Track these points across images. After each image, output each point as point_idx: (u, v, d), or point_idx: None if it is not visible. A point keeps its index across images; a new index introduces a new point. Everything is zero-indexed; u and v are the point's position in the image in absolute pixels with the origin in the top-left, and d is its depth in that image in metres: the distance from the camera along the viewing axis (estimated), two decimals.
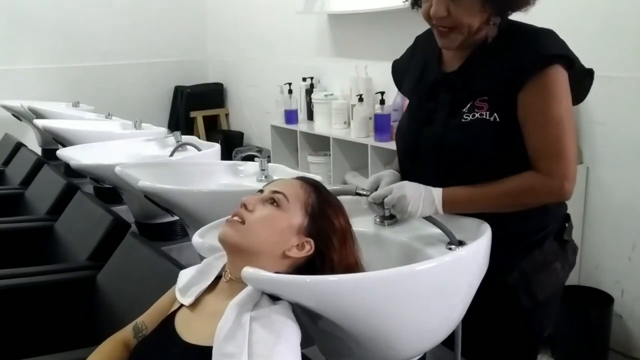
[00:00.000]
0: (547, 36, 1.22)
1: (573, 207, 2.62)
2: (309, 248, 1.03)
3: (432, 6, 1.20)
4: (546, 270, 1.32)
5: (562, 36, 1.24)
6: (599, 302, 2.52)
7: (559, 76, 1.19)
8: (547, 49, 1.19)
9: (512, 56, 1.21)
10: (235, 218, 1.03)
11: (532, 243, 1.32)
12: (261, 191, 1.08)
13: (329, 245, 1.05)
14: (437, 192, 1.22)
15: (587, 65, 1.27)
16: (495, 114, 1.22)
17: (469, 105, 1.24)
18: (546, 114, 1.18)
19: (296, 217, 1.04)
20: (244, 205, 1.04)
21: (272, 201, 1.04)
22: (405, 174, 1.36)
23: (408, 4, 1.32)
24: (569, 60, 1.20)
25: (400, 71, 1.48)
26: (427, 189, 1.22)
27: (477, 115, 1.23)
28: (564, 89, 1.20)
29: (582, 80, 1.26)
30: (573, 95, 1.23)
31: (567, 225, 1.38)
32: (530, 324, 1.38)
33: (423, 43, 1.41)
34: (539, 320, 1.40)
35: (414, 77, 1.39)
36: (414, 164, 1.36)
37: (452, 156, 1.26)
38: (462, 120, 1.24)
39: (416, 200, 1.20)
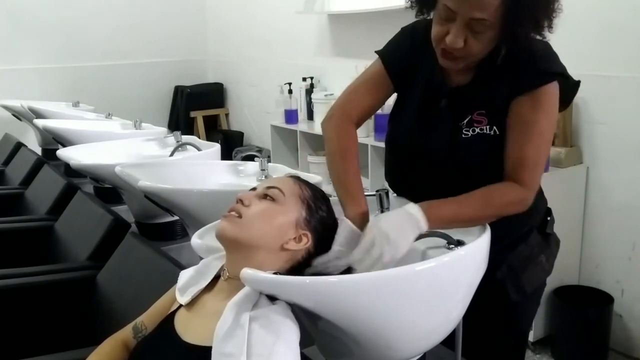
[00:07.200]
0: (547, 53, 1.23)
1: (573, 207, 2.63)
2: (306, 240, 1.05)
3: (447, 33, 1.16)
4: (532, 263, 1.35)
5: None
6: (599, 302, 2.53)
7: (554, 92, 1.22)
8: (549, 67, 1.21)
9: (515, 73, 1.21)
10: (232, 213, 1.03)
11: (517, 238, 1.34)
12: (254, 189, 1.09)
13: (325, 236, 1.08)
14: (417, 213, 1.10)
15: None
16: (494, 127, 1.23)
17: (467, 119, 1.24)
18: (534, 126, 1.20)
19: (293, 210, 1.05)
20: (240, 201, 1.04)
21: (268, 196, 1.05)
22: (407, 187, 1.35)
23: (414, 12, 1.27)
24: (565, 77, 1.23)
25: (403, 66, 1.34)
26: (409, 217, 1.10)
27: (477, 130, 1.24)
28: (554, 104, 1.23)
29: (570, 91, 1.29)
30: (560, 104, 1.25)
31: (549, 218, 1.40)
32: (519, 317, 1.42)
33: (422, 42, 1.29)
34: (526, 314, 1.44)
35: (420, 84, 1.32)
36: (415, 177, 1.34)
37: (456, 172, 1.26)
38: (463, 136, 1.25)
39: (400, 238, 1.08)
